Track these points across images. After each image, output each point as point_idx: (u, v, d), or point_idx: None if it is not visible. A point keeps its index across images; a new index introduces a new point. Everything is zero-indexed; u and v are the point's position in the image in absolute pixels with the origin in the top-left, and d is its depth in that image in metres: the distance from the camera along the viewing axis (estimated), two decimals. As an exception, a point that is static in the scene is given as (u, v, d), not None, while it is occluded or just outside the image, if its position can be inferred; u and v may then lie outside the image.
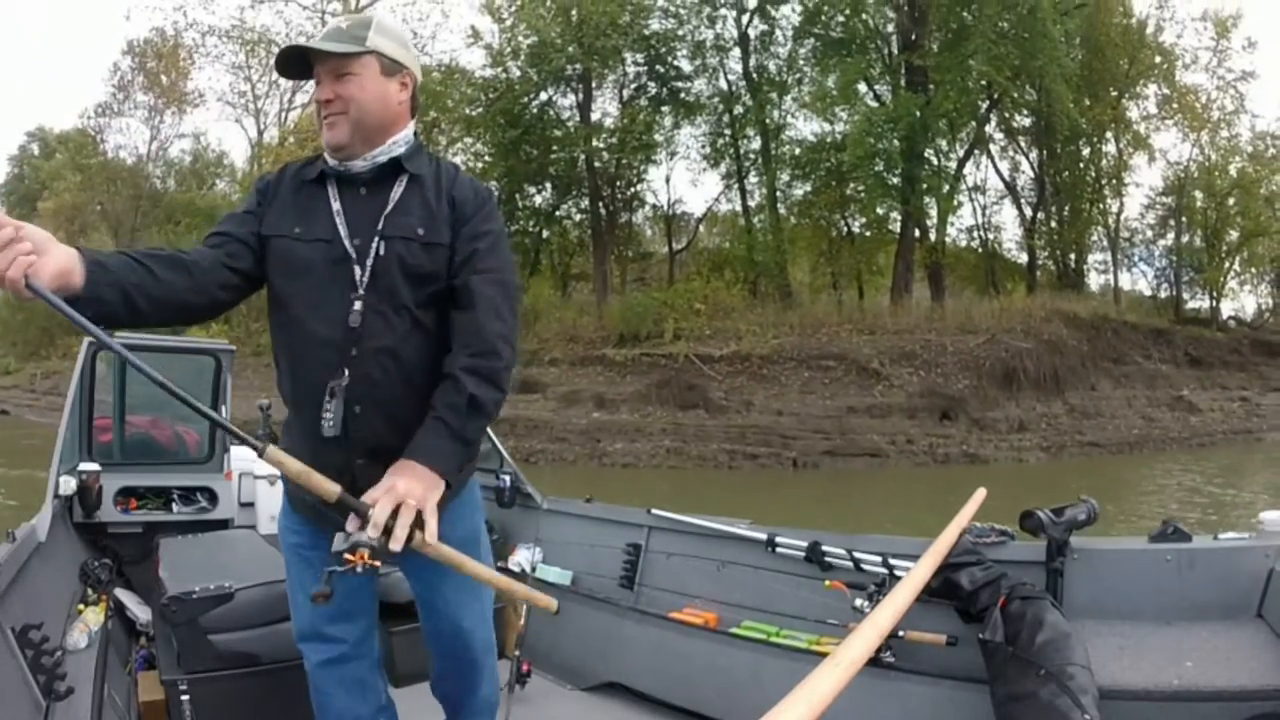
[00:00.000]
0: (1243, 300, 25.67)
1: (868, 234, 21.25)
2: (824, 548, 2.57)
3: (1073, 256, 22.68)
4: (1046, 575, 2.14)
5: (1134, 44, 20.71)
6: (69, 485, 3.21)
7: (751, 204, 21.89)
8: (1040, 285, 21.22)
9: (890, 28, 19.98)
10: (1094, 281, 23.96)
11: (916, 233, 19.80)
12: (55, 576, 2.62)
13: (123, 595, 2.99)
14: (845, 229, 21.88)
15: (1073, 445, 15.66)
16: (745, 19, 20.62)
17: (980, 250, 23.31)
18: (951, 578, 2.14)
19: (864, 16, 19.12)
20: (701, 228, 24.67)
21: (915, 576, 1.84)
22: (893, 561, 2.38)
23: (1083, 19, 19.19)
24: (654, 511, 2.99)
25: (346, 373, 1.51)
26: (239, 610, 2.26)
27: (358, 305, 1.51)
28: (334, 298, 1.52)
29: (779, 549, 2.67)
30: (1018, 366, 15.92)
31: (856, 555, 2.49)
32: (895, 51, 19.85)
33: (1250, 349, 20.82)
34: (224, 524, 3.64)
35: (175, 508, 3.62)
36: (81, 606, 2.54)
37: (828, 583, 2.50)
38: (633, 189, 22.15)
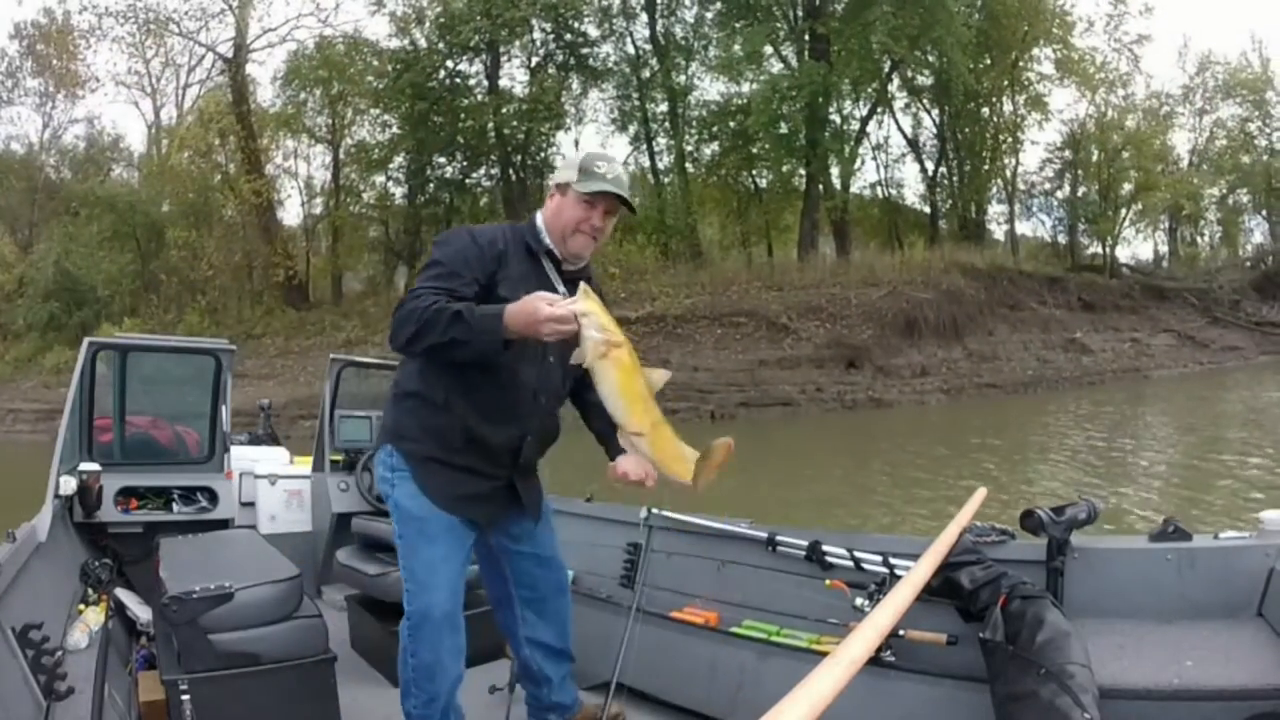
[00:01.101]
0: (1138, 248, 27.42)
1: (775, 192, 21.85)
2: (824, 547, 2.57)
3: (973, 209, 23.70)
4: (1046, 574, 2.14)
5: (1031, 10, 21.45)
6: (69, 485, 3.21)
7: (660, 166, 22.34)
8: (943, 237, 22.08)
9: None
10: (996, 231, 25.04)
11: (821, 189, 20.39)
12: (55, 576, 2.62)
13: (123, 595, 2.99)
14: (753, 187, 22.37)
15: (971, 387, 16.75)
16: None
17: (884, 204, 24.32)
18: (952, 577, 2.14)
19: None
20: None
21: (915, 576, 1.84)
22: (893, 561, 2.38)
23: None
24: (654, 511, 2.99)
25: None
26: (239, 610, 2.26)
27: (551, 358, 2.09)
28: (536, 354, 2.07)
29: (779, 548, 2.67)
30: (918, 316, 16.99)
31: (857, 554, 2.49)
32: (800, 17, 20.27)
33: (1142, 294, 21.95)
34: (224, 524, 3.64)
35: (175, 508, 3.62)
36: (82, 606, 2.55)
37: (828, 582, 2.50)
38: (542, 154, 22.28)
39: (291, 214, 26.41)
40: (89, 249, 24.17)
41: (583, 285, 1.79)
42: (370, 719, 2.54)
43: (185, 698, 2.21)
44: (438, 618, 2.06)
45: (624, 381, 1.70)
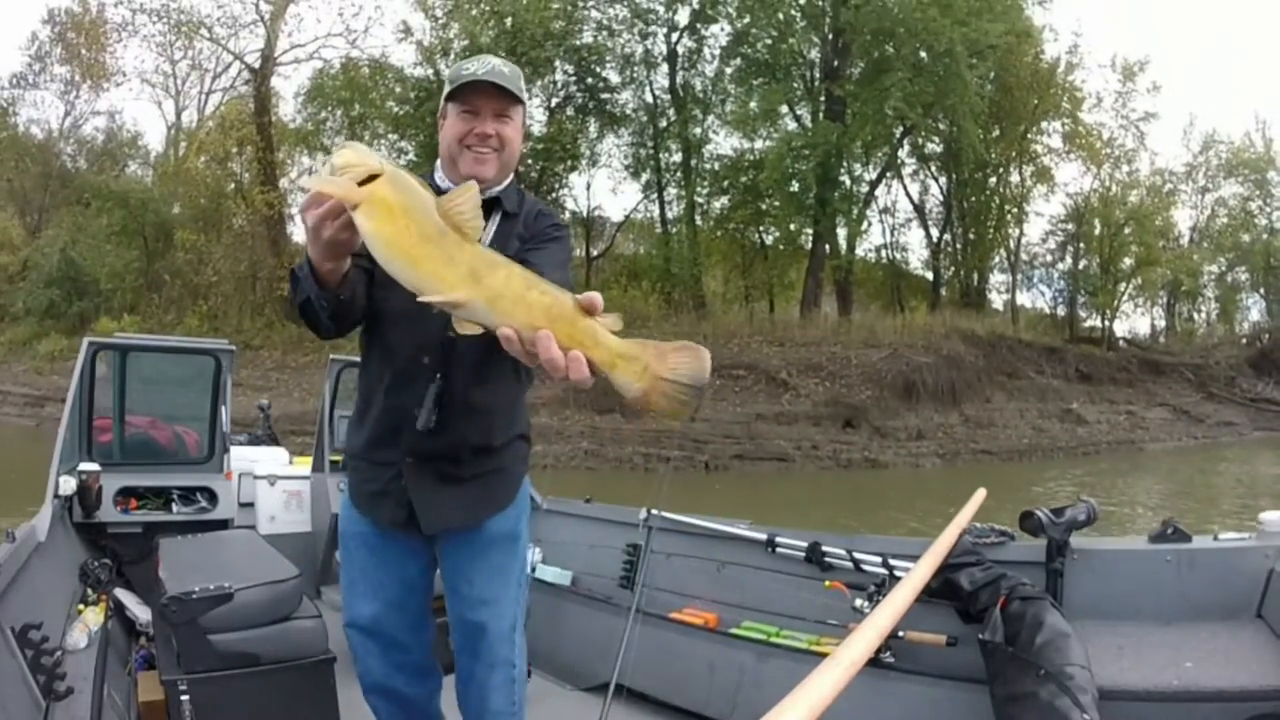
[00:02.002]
0: (1136, 322, 28.15)
1: (781, 248, 22.06)
2: (824, 548, 2.57)
3: (975, 277, 24.20)
4: (1046, 575, 2.14)
5: (1043, 84, 21.99)
6: (69, 485, 3.20)
7: (670, 215, 22.46)
8: (944, 303, 22.44)
9: (814, 54, 20.67)
10: (996, 300, 25.52)
11: (827, 249, 20.63)
12: (55, 576, 2.62)
13: (123, 595, 2.99)
14: (760, 242, 22.55)
15: (966, 453, 16.80)
16: (675, 36, 21.15)
17: (888, 268, 24.77)
18: (951, 578, 2.14)
19: (790, 41, 19.88)
20: (618, 235, 25.09)
21: (915, 577, 1.84)
22: (893, 562, 2.38)
23: (995, 59, 20.10)
24: (654, 512, 2.99)
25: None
26: (239, 610, 2.26)
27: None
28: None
29: (779, 549, 2.67)
30: (917, 379, 17.07)
31: (856, 556, 2.49)
32: (817, 78, 20.57)
33: (1138, 367, 22.26)
34: (224, 524, 3.63)
35: (175, 508, 3.62)
36: (81, 606, 2.54)
37: (828, 583, 2.50)
38: (554, 195, 22.37)
39: (301, 230, 26.35)
40: (96, 241, 24.06)
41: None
42: (370, 719, 2.54)
43: (185, 698, 2.21)
44: (362, 631, 1.79)
45: (389, 233, 1.07)
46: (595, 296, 1.07)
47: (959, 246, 24.21)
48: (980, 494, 2.57)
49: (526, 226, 1.72)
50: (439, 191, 1.46)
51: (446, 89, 1.66)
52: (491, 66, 1.64)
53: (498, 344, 1.57)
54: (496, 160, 1.66)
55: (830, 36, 19.93)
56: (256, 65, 22.70)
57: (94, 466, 3.33)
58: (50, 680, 1.81)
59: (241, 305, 23.24)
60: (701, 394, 1.08)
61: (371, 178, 1.09)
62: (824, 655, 1.34)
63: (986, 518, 2.46)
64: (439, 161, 1.74)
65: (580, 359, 1.05)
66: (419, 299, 1.08)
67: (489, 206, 1.62)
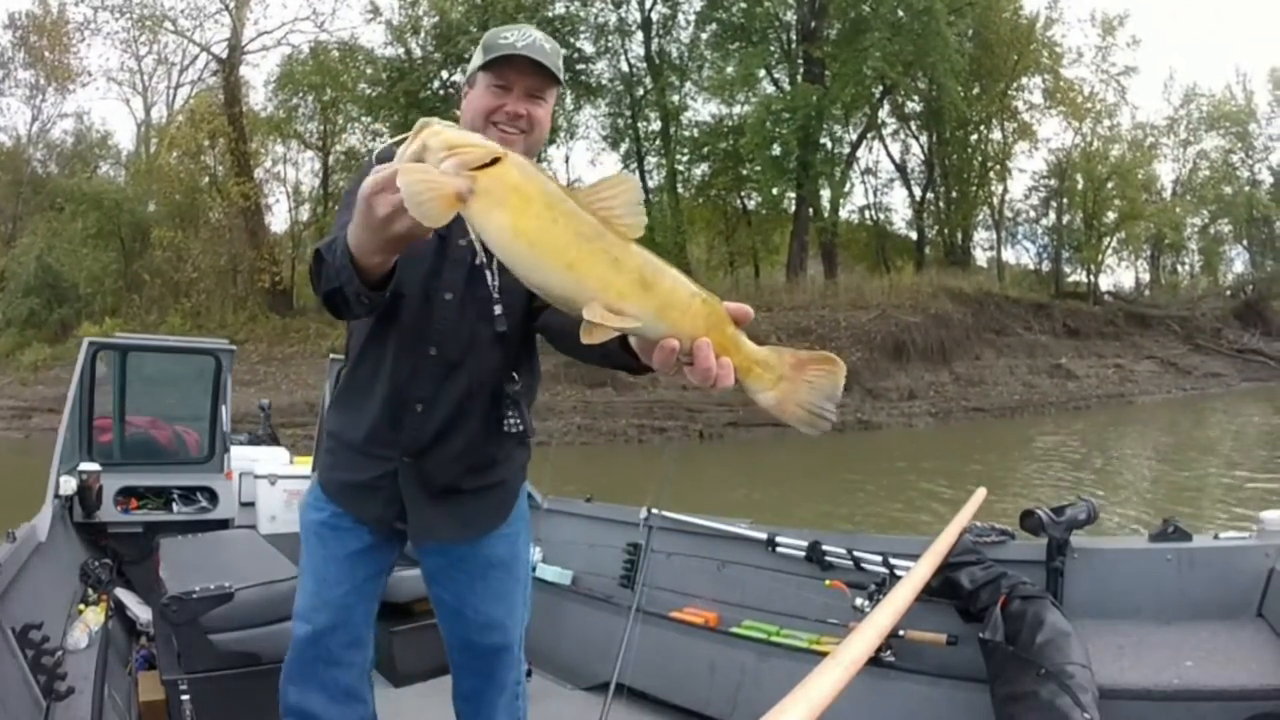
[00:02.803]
0: (1120, 276, 28.24)
1: (763, 213, 22.10)
2: (824, 547, 2.57)
3: (959, 235, 24.32)
4: (1046, 575, 2.14)
5: (1023, 40, 22.07)
6: (69, 485, 3.21)
7: (651, 184, 22.31)
8: (929, 262, 22.48)
9: (790, 16, 20.60)
10: (980, 257, 25.68)
11: (811, 212, 20.64)
12: (55, 576, 2.62)
13: (123, 595, 2.99)
14: (742, 208, 22.58)
15: (959, 411, 16.95)
16: (649, 3, 21.12)
17: (872, 229, 24.89)
18: (952, 577, 2.14)
19: (765, 4, 19.84)
20: None
21: (915, 576, 1.84)
22: (893, 561, 2.38)
23: (974, 16, 20.26)
24: (654, 511, 2.99)
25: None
26: (239, 610, 2.26)
27: (450, 295, 1.51)
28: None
29: (779, 549, 2.67)
30: (907, 339, 17.24)
31: (857, 555, 2.49)
32: (794, 39, 20.53)
33: (1125, 321, 22.41)
34: (224, 524, 3.64)
35: (175, 508, 3.62)
36: (82, 606, 2.54)
37: (828, 582, 2.50)
38: None
39: (279, 220, 26.08)
40: (72, 246, 23.73)
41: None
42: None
43: (185, 698, 2.21)
44: (301, 640, 1.62)
45: (536, 228, 0.88)
46: (747, 308, 0.99)
47: (942, 205, 24.36)
48: (980, 493, 2.57)
49: None
50: None
51: (479, 57, 1.49)
52: (532, 40, 1.46)
53: (523, 338, 1.53)
54: (523, 143, 1.48)
55: None
56: (224, 55, 22.48)
57: (94, 466, 3.34)
58: (51, 680, 1.81)
59: (224, 300, 23.01)
60: (835, 408, 0.99)
61: (492, 162, 0.91)
62: (824, 654, 1.34)
63: (1002, 490, 2.45)
64: None
65: (729, 366, 0.95)
66: (577, 310, 0.89)
67: None
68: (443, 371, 1.52)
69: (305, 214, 25.34)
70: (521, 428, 1.59)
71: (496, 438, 1.59)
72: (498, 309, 1.49)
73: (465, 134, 0.94)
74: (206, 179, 23.63)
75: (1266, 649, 1.80)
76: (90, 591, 2.68)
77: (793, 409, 0.96)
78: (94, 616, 2.45)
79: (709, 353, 0.93)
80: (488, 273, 1.49)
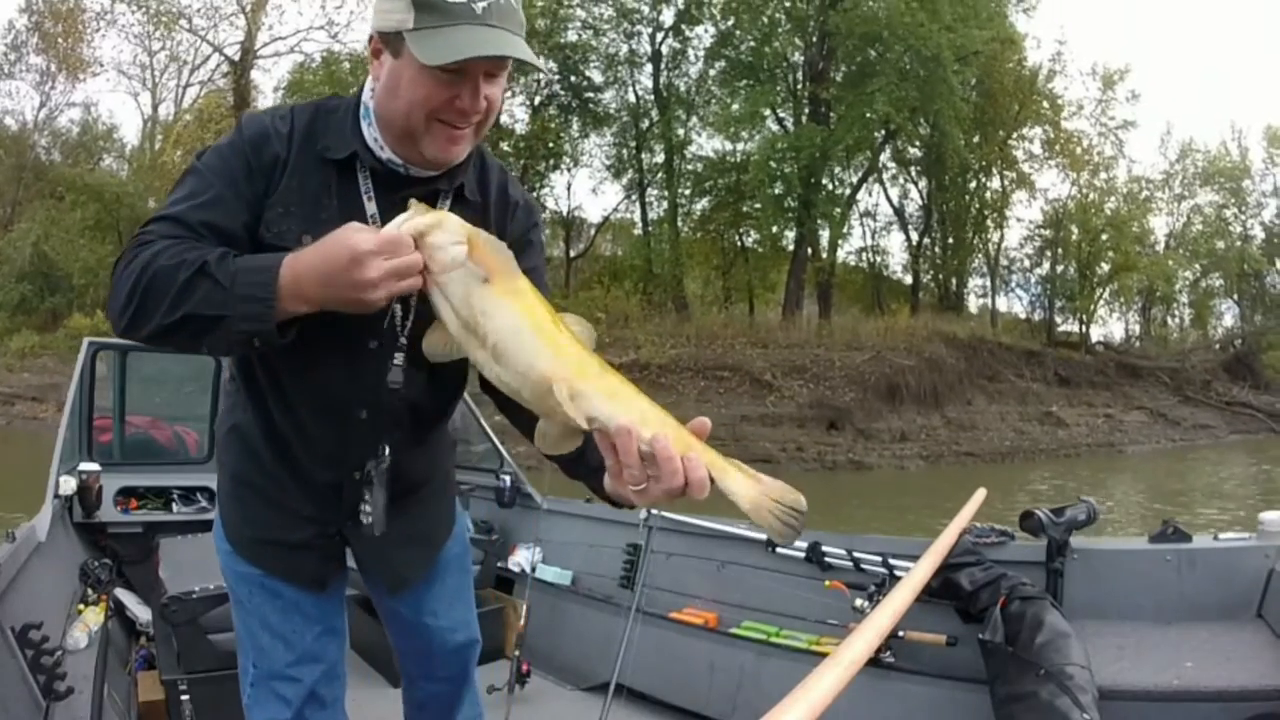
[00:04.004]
0: (1111, 327, 28.30)
1: (761, 250, 22.33)
2: (824, 548, 2.57)
3: (954, 281, 24.78)
4: (1046, 575, 2.14)
5: (1025, 90, 22.41)
6: (69, 485, 3.21)
7: (651, 216, 22.58)
8: (923, 306, 22.83)
9: (798, 56, 20.81)
10: (973, 304, 26.07)
11: (809, 252, 20.85)
12: (55, 576, 2.62)
13: (123, 595, 2.99)
14: (740, 244, 22.76)
15: (950, 455, 17.01)
16: (660, 36, 21.26)
17: (868, 271, 25.20)
18: (951, 578, 2.14)
19: (774, 44, 20.01)
20: (597, 236, 25.20)
21: (915, 576, 1.84)
22: (893, 561, 2.38)
23: (979, 65, 20.41)
24: (654, 512, 2.99)
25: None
26: (239, 610, 2.26)
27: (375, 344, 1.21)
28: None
29: (779, 549, 2.67)
30: (900, 382, 17.30)
31: (856, 555, 2.49)
32: (801, 80, 20.74)
33: (1115, 371, 22.64)
34: None
35: (175, 508, 3.62)
36: (81, 606, 2.54)
37: (828, 583, 2.50)
38: (535, 193, 22.63)
39: None
40: (70, 235, 23.59)
41: (413, 203, 0.99)
42: (370, 719, 2.54)
43: (185, 698, 2.21)
44: (297, 702, 1.39)
45: (532, 315, 0.94)
46: (706, 420, 0.97)
47: (938, 250, 24.71)
48: (980, 494, 2.57)
49: (497, 220, 1.26)
50: (379, 160, 1.16)
51: (409, 15, 1.04)
52: (491, 2, 1.06)
53: (443, 394, 1.31)
54: (472, 137, 1.16)
55: (816, 39, 20.10)
56: (236, 58, 22.53)
57: (94, 466, 3.34)
58: (50, 680, 1.81)
59: None
60: (804, 519, 0.99)
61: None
62: (824, 655, 1.34)
63: (982, 520, 2.47)
64: (371, 113, 1.16)
65: (698, 461, 0.92)
66: (543, 393, 0.90)
67: (431, 193, 1.19)
68: (377, 444, 1.28)
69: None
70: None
71: (434, 466, 1.47)
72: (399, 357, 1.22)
73: (473, 229, 0.96)
74: (207, 179, 23.72)
75: (1266, 649, 1.80)
76: (90, 591, 2.68)
77: (766, 516, 0.97)
78: (94, 616, 2.46)
79: (667, 444, 0.90)
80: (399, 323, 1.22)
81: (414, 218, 0.96)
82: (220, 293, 0.99)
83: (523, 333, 0.92)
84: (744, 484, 0.97)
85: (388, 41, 1.10)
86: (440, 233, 0.94)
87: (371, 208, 1.17)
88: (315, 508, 1.34)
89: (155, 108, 27.81)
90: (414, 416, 1.31)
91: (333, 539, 1.39)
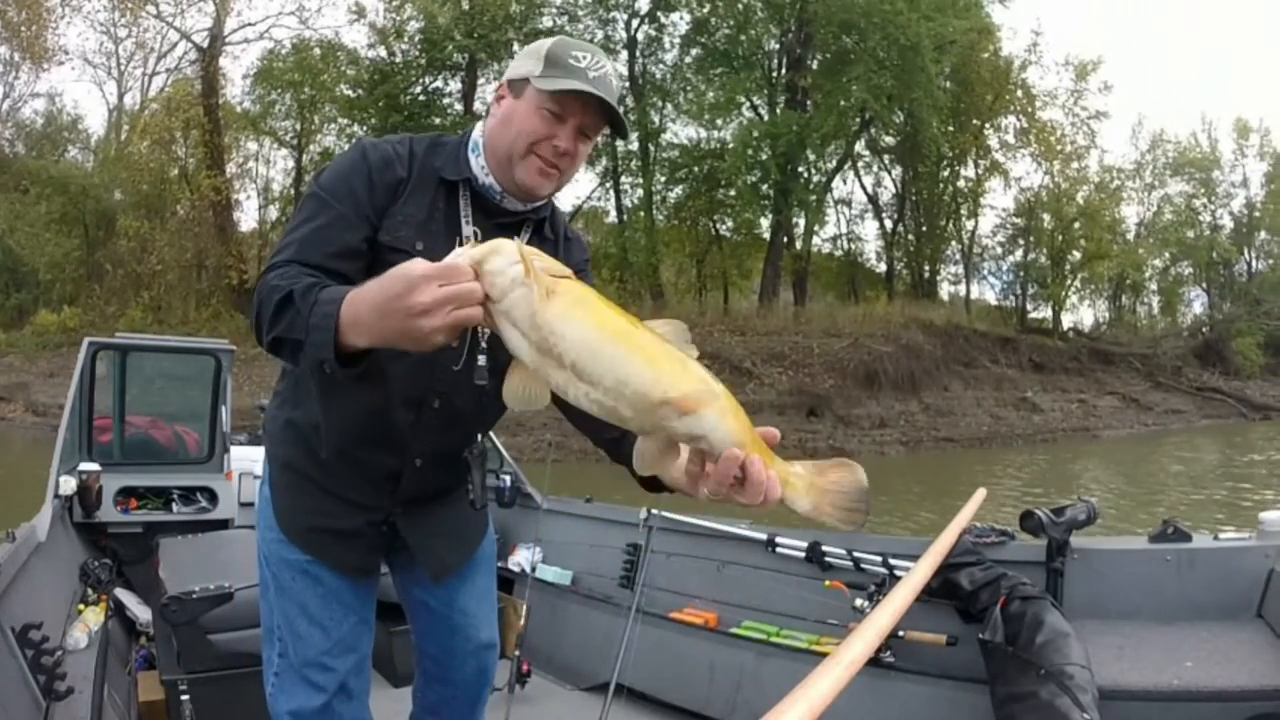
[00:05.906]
0: (1081, 313, 28.64)
1: (737, 239, 22.45)
2: (824, 548, 2.57)
3: (927, 268, 24.97)
4: (1046, 575, 2.14)
5: (1000, 80, 22.67)
6: (69, 485, 3.21)
7: (626, 204, 22.51)
8: (897, 293, 23.01)
9: (773, 44, 20.88)
10: (945, 291, 26.22)
11: (785, 239, 20.92)
12: (55, 576, 2.62)
13: (123, 595, 2.99)
14: (714, 233, 22.81)
15: (928, 440, 17.15)
16: (635, 23, 21.24)
17: (843, 259, 25.49)
18: (951, 578, 2.14)
19: (750, 31, 20.09)
20: (571, 224, 25.30)
21: (915, 576, 1.84)
22: (893, 561, 2.38)
23: (956, 55, 20.46)
24: (654, 511, 2.99)
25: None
26: (239, 610, 2.26)
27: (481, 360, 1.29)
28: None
29: (779, 549, 2.67)
30: (878, 368, 17.48)
31: (856, 555, 2.49)
32: (778, 68, 20.83)
33: (1088, 357, 22.94)
34: (224, 524, 3.64)
35: (175, 508, 3.62)
36: (81, 606, 2.55)
37: (828, 583, 2.50)
38: None
39: (248, 217, 25.54)
40: (35, 229, 23.28)
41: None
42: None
43: (185, 698, 2.21)
44: (329, 690, 1.43)
45: (607, 322, 0.92)
46: (775, 431, 0.98)
47: (912, 238, 24.90)
48: (980, 494, 2.57)
49: (563, 255, 1.38)
50: (462, 171, 1.33)
51: (538, 66, 1.26)
52: (604, 72, 1.27)
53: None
54: (559, 180, 1.34)
55: (794, 27, 20.10)
56: (204, 44, 21.90)
57: (94, 466, 3.34)
58: (50, 680, 1.82)
59: (186, 295, 22.48)
60: (867, 504, 1.00)
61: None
62: (824, 655, 1.34)
63: (951, 505, 2.46)
64: (480, 142, 1.35)
65: (776, 480, 0.94)
66: (640, 417, 0.89)
67: (519, 224, 1.39)
68: (443, 425, 1.40)
69: (274, 213, 24.89)
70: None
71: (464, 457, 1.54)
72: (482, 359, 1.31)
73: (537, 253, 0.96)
74: (176, 170, 22.96)
75: (1266, 649, 1.80)
76: (90, 591, 2.69)
77: (829, 510, 0.98)
78: (94, 616, 2.46)
79: (761, 466, 0.91)
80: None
81: (469, 249, 0.96)
82: (300, 320, 1.08)
83: (601, 344, 0.89)
84: (804, 495, 0.98)
85: (513, 86, 1.31)
86: (497, 258, 0.93)
87: (469, 229, 1.34)
88: (369, 496, 1.44)
89: (121, 97, 27.39)
90: (480, 409, 1.41)
91: (380, 528, 1.48)
